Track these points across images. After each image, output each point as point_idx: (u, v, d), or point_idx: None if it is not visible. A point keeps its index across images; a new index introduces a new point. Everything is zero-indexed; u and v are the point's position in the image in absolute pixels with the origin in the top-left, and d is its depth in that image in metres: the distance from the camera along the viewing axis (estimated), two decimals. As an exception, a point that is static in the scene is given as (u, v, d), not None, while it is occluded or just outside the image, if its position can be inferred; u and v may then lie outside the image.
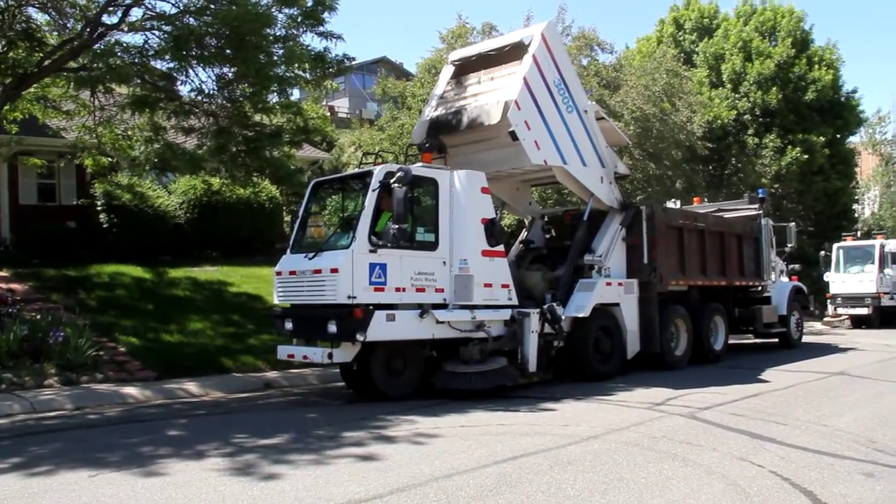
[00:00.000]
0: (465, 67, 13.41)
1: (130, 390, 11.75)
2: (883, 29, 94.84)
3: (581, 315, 12.15)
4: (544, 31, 12.49)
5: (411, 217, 10.25)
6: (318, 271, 10.14)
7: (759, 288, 17.17)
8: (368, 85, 41.70)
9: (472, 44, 22.23)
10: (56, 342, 12.48)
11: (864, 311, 26.31)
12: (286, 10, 13.76)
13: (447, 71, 13.76)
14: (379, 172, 10.27)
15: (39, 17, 14.20)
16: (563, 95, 12.57)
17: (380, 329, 9.87)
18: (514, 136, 11.61)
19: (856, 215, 39.95)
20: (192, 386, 12.27)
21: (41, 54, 13.73)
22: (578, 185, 13.25)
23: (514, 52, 12.53)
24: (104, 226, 19.75)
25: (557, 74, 12.50)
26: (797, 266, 21.21)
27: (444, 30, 23.46)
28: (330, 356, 10.03)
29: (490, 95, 12.33)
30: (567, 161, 12.63)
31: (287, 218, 22.89)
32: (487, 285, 10.94)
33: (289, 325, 10.90)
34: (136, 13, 13.58)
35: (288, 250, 11.34)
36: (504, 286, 11.23)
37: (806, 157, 30.27)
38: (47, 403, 10.67)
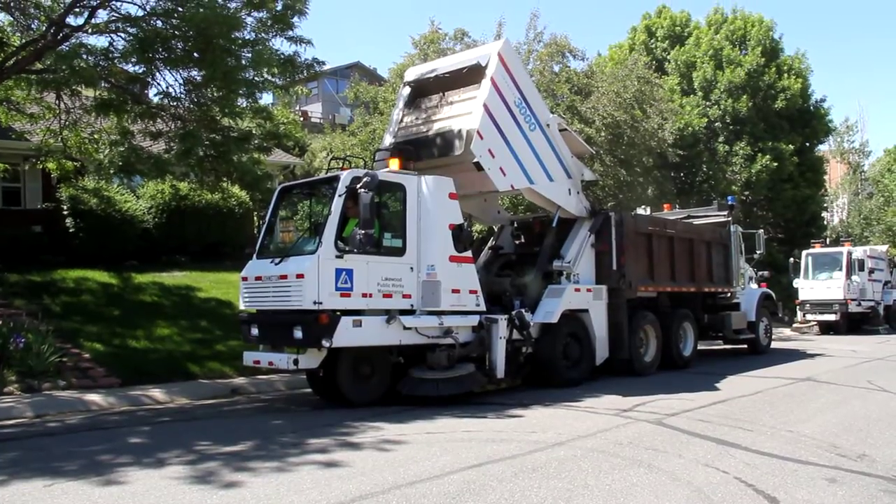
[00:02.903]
0: (423, 89, 13.09)
1: (93, 397, 11.57)
2: (851, 39, 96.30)
3: (550, 321, 12.13)
4: (501, 51, 12.21)
5: (378, 222, 10.16)
6: (284, 277, 10.04)
7: (729, 294, 17.29)
8: (342, 90, 41.59)
9: (445, 51, 22.30)
10: (17, 348, 12.27)
11: (831, 317, 26.65)
12: (255, 14, 13.66)
13: (404, 92, 13.44)
14: (346, 178, 10.18)
15: (2, 18, 13.98)
16: (525, 114, 12.42)
17: (346, 335, 9.78)
18: (479, 166, 11.52)
19: (824, 223, 40.48)
20: (157, 393, 12.11)
21: (2, 55, 13.50)
22: (546, 201, 13.25)
23: (471, 74, 12.21)
24: (70, 230, 19.44)
25: (518, 93, 12.31)
26: (766, 273, 21.39)
27: (417, 35, 23.43)
28: (296, 362, 9.93)
29: (451, 123, 12.07)
30: (534, 181, 12.59)
31: (257, 223, 22.73)
32: (455, 291, 10.89)
33: (255, 331, 10.78)
34: (101, 15, 13.42)
35: (254, 255, 11.23)
36: (472, 292, 11.18)
37: (775, 164, 30.60)
38: (6, 411, 10.46)
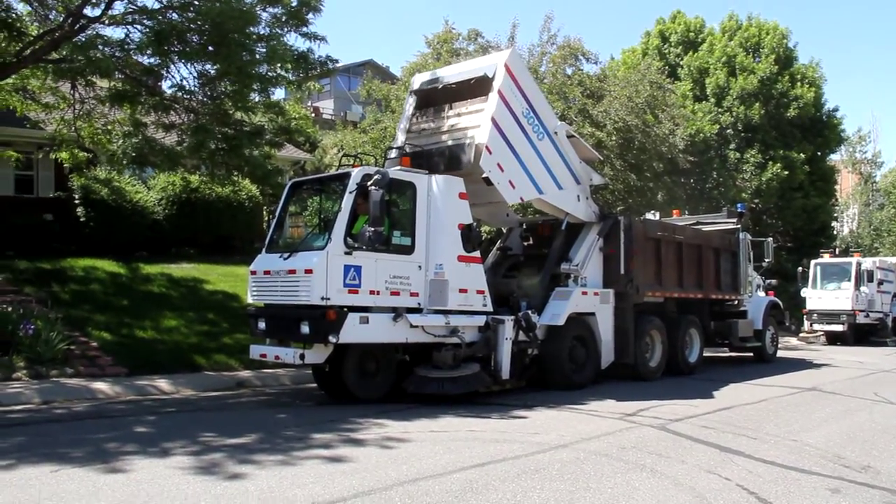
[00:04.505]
0: (430, 98, 12.96)
1: (100, 386, 11.65)
2: (866, 49, 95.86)
3: (556, 323, 12.15)
4: (508, 62, 12.05)
5: (388, 220, 10.19)
6: (293, 272, 10.07)
7: (736, 302, 17.26)
8: (354, 87, 41.65)
9: (458, 51, 22.26)
10: (26, 335, 12.35)
11: (839, 327, 26.54)
12: (270, 10, 13.69)
13: (411, 100, 13.30)
14: (356, 175, 10.22)
15: (20, 7, 14.06)
16: (533, 124, 12.34)
17: (353, 331, 9.81)
18: (488, 181, 11.48)
19: (834, 232, 40.32)
20: (163, 383, 12.18)
21: (20, 44, 13.58)
22: (556, 209, 13.26)
23: (478, 85, 12.11)
24: (81, 220, 19.56)
25: (525, 104, 12.21)
26: (774, 281, 21.32)
27: (431, 34, 23.39)
28: (302, 357, 9.96)
29: (459, 136, 12.00)
30: (543, 191, 12.58)
31: (267, 217, 22.77)
32: (462, 291, 10.91)
33: (262, 325, 10.81)
34: (118, 7, 13.46)
35: (264, 250, 11.27)
36: (479, 292, 11.20)
37: (786, 173, 30.48)
38: (14, 397, 10.55)
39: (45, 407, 10.29)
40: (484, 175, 11.42)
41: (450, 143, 12.04)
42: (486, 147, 11.44)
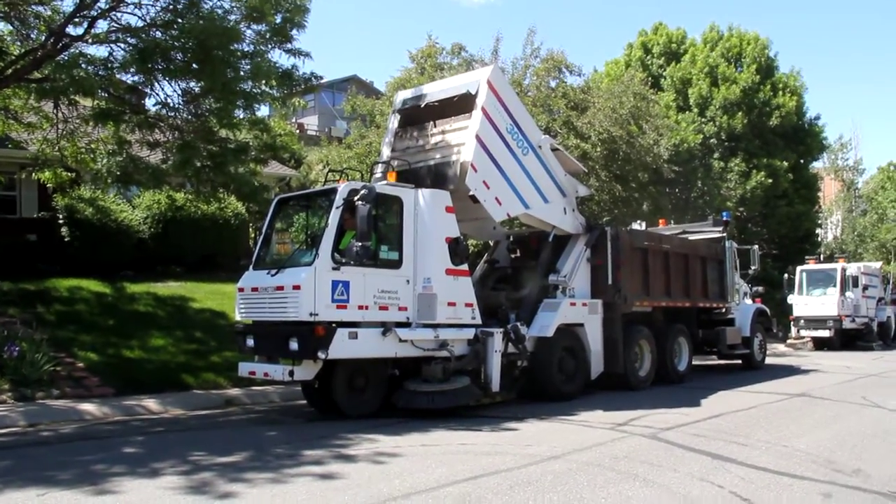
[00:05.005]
0: (413, 116, 12.92)
1: (87, 407, 11.53)
2: (845, 57, 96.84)
3: (545, 335, 12.15)
4: (490, 79, 12.03)
5: (375, 235, 10.19)
6: (281, 288, 10.04)
7: (723, 310, 17.31)
8: (338, 103, 41.63)
9: (442, 65, 22.31)
10: (11, 357, 12.21)
11: (825, 333, 26.70)
12: (254, 27, 13.64)
13: (394, 119, 13.27)
14: (343, 190, 10.21)
15: (1, 26, 13.99)
16: (518, 139, 12.34)
17: (342, 347, 9.78)
18: (474, 199, 11.49)
19: (818, 239, 40.60)
20: (151, 403, 12.07)
21: (2, 64, 13.50)
22: (542, 223, 13.25)
23: (462, 103, 12.07)
24: (66, 239, 19.41)
25: (509, 119, 12.20)
26: (761, 288, 21.44)
27: (414, 49, 23.44)
28: (291, 374, 9.91)
29: (444, 153, 12.04)
30: (529, 205, 12.59)
31: (253, 234, 22.67)
32: (451, 304, 10.89)
33: (250, 342, 10.76)
34: (101, 25, 13.42)
35: (251, 267, 11.23)
36: (468, 305, 11.19)
37: (770, 181, 30.73)
38: (-1, 420, 10.43)
39: (31, 430, 10.17)
40: (470, 193, 11.43)
41: (435, 160, 12.06)
42: (472, 165, 11.44)
